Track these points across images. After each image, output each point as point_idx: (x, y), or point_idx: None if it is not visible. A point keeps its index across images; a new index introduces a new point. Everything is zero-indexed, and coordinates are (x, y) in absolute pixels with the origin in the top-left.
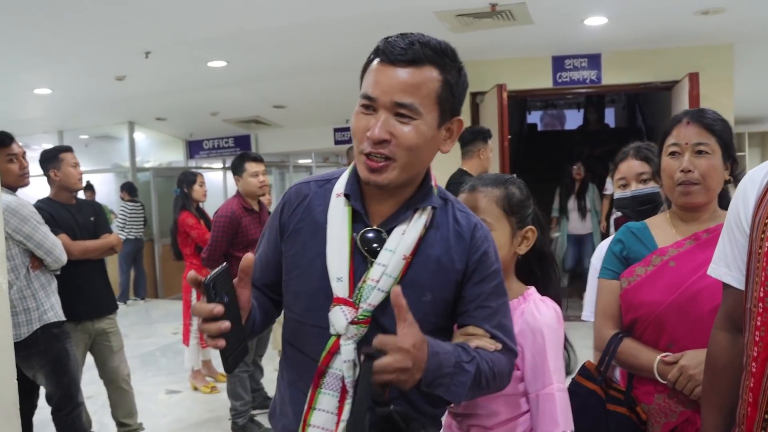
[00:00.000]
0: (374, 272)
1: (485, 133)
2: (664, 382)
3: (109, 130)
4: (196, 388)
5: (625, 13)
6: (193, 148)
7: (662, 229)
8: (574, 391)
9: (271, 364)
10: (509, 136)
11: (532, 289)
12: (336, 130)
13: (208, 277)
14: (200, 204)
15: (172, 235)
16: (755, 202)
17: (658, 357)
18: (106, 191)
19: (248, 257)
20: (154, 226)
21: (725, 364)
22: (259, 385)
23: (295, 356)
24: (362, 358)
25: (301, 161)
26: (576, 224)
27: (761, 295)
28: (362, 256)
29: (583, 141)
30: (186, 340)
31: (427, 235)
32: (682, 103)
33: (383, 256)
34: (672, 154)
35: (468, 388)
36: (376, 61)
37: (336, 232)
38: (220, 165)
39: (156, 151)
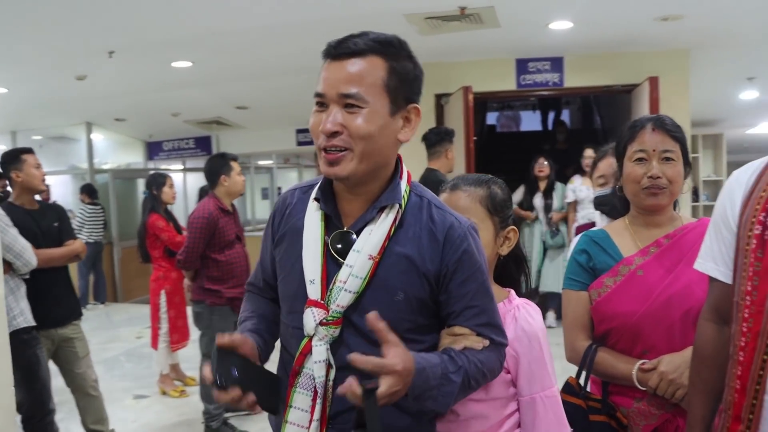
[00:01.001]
0: (342, 273)
1: (450, 134)
2: (644, 389)
3: (65, 131)
4: (164, 393)
5: (589, 18)
6: (153, 149)
7: (623, 237)
8: None
9: None
10: (474, 138)
11: (513, 293)
12: (298, 131)
13: (213, 372)
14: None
15: (140, 238)
16: (742, 202)
17: (636, 365)
18: (62, 193)
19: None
20: (113, 229)
21: (712, 353)
22: None
23: (284, 356)
24: (364, 390)
25: (262, 162)
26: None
27: (749, 288)
28: (334, 259)
29: (544, 142)
30: (155, 344)
31: (396, 234)
32: (642, 105)
33: (351, 257)
34: (639, 160)
35: (455, 396)
36: (324, 62)
37: (310, 236)
38: (180, 166)
39: (114, 153)
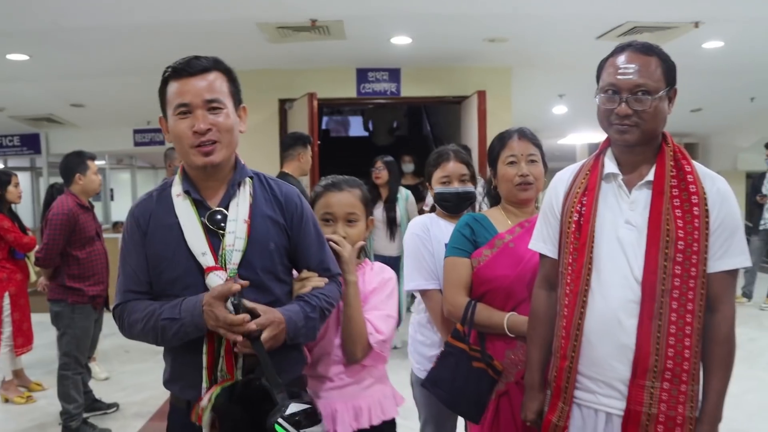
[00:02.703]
0: (228, 239)
1: (304, 138)
2: (512, 336)
3: None
4: (7, 400)
5: (426, 35)
6: None
7: (498, 219)
8: (449, 351)
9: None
10: (318, 142)
11: (366, 260)
12: (136, 132)
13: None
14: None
15: None
16: (564, 196)
17: (507, 316)
18: None
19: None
20: None
21: (544, 312)
22: (87, 387)
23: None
24: (251, 339)
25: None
26: (383, 243)
27: (570, 261)
28: (213, 232)
29: (376, 147)
30: None
31: (254, 201)
32: (471, 116)
33: (230, 225)
34: (511, 163)
35: (317, 327)
36: (175, 80)
37: (187, 221)
38: (0, 165)
39: None
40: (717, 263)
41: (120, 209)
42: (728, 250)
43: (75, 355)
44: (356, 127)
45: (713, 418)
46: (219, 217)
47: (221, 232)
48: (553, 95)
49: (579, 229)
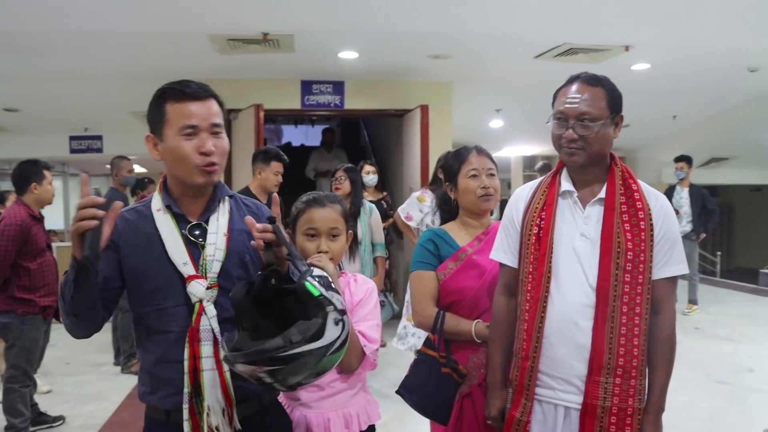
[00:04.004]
0: (209, 250)
1: (266, 153)
2: (480, 341)
3: None
4: None
5: (373, 50)
6: None
7: (457, 233)
8: (421, 359)
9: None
10: None
11: (346, 271)
12: (72, 138)
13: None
14: None
15: None
16: (524, 210)
17: (474, 323)
18: None
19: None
20: None
21: (505, 317)
22: (33, 400)
23: (161, 339)
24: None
25: None
26: (345, 265)
27: (530, 270)
28: (193, 244)
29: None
30: None
31: (232, 217)
32: (413, 129)
33: (211, 238)
34: (472, 176)
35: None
36: (178, 102)
37: (168, 234)
38: None
39: None
40: (660, 271)
41: (51, 218)
42: (670, 260)
43: (23, 367)
44: (288, 135)
45: (658, 408)
46: (199, 231)
47: (201, 243)
48: (490, 110)
49: (539, 240)
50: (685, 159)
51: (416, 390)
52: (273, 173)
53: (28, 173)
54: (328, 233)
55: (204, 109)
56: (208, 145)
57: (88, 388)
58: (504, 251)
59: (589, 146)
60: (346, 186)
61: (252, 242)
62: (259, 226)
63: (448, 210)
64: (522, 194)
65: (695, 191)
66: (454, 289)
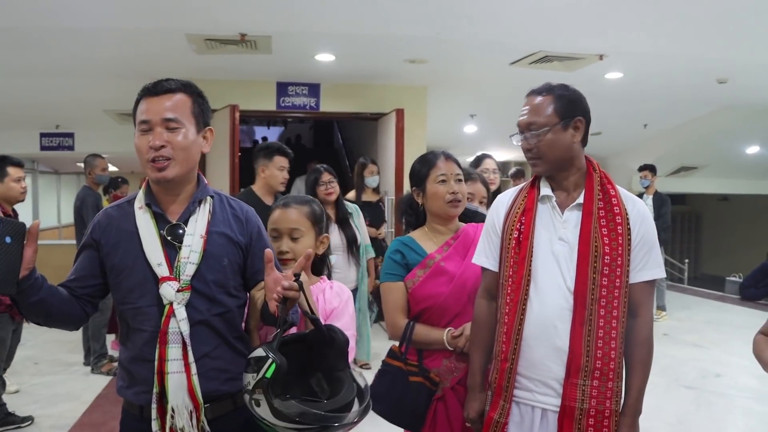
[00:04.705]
0: (184, 252)
1: (268, 149)
2: (452, 349)
3: None
4: None
5: (350, 53)
6: None
7: (423, 240)
8: (386, 369)
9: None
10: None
11: (324, 278)
12: (43, 135)
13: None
14: None
15: None
16: (504, 216)
17: (446, 332)
18: None
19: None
20: None
21: (486, 320)
22: (1, 400)
23: (137, 337)
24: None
25: None
26: (343, 272)
27: (510, 273)
28: (170, 245)
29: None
30: None
31: (213, 219)
32: (388, 132)
33: (187, 239)
34: (441, 182)
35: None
36: (143, 99)
37: (146, 233)
38: None
39: None
40: (638, 274)
41: (20, 215)
42: (647, 264)
43: None
44: (261, 135)
45: (635, 411)
46: (180, 231)
47: (178, 244)
48: (465, 115)
49: (519, 244)
50: (648, 168)
51: (381, 399)
52: (278, 168)
53: None
54: (289, 234)
55: (157, 105)
56: (155, 140)
57: (58, 388)
58: (486, 255)
59: (544, 154)
60: (337, 189)
61: (272, 296)
62: (285, 283)
63: (414, 215)
64: (503, 200)
65: (657, 199)
66: (424, 296)
